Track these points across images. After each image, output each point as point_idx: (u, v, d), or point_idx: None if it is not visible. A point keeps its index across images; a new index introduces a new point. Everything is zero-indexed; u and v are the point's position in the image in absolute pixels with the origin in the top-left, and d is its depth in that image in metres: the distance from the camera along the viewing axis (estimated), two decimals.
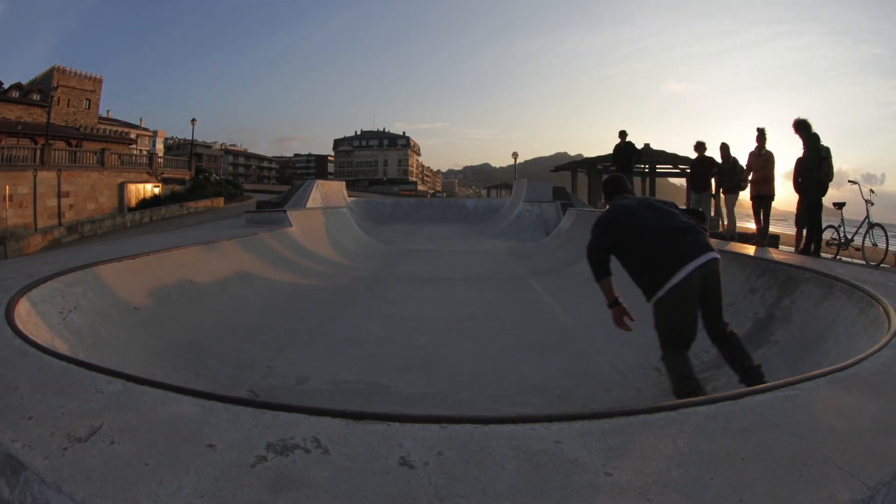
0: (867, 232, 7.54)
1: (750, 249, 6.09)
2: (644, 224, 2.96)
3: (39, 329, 2.83)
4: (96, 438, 1.41)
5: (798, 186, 7.14)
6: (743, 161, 8.03)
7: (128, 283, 4.25)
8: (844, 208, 8.18)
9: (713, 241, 6.84)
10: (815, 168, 6.85)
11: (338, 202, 18.16)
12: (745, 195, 8.21)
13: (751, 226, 8.91)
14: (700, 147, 8.94)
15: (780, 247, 8.44)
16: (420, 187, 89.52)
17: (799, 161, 7.05)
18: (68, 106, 34.86)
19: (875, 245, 7.51)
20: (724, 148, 8.38)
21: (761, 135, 7.64)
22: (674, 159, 28.70)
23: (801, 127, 6.91)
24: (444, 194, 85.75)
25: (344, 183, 23.19)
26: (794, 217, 7.66)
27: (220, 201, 28.89)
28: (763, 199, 7.80)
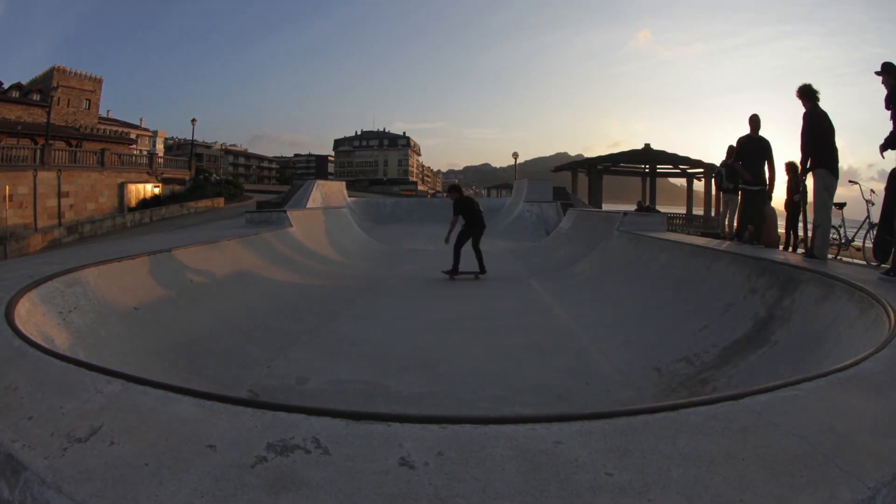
0: (868, 232, 7.53)
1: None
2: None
3: (39, 329, 2.83)
4: (96, 439, 1.41)
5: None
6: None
7: (128, 283, 4.25)
8: (845, 208, 8.17)
9: (711, 241, 6.90)
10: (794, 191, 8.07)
11: (338, 202, 18.16)
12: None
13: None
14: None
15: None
16: (420, 187, 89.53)
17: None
18: (68, 106, 34.86)
19: None
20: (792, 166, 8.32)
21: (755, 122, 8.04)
22: (674, 159, 28.72)
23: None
24: (445, 194, 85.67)
25: (344, 183, 23.19)
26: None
27: (220, 201, 28.90)
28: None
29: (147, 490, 1.20)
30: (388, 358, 4.33)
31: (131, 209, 26.56)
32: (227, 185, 34.24)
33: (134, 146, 41.76)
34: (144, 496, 1.18)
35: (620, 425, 1.52)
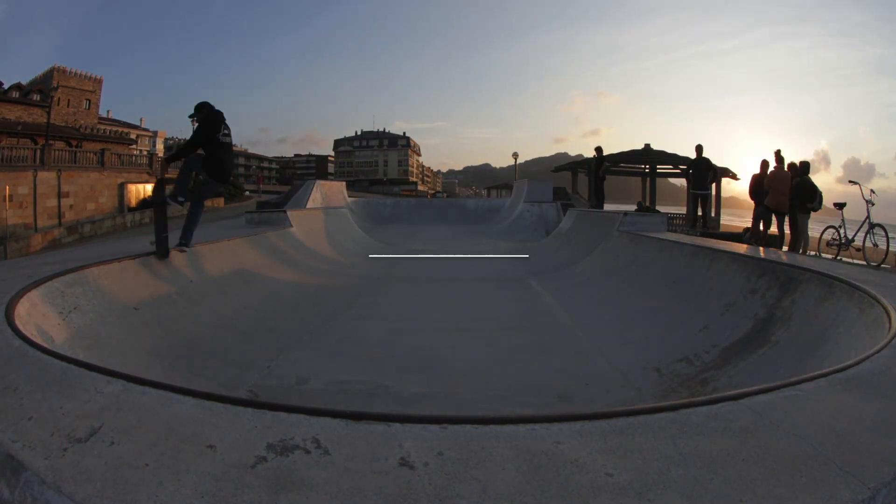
0: (868, 232, 7.54)
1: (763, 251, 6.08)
2: None
3: (39, 329, 2.83)
4: (96, 439, 1.41)
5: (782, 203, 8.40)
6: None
7: (128, 283, 4.25)
8: (845, 208, 8.19)
9: (713, 241, 7.00)
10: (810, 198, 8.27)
11: (338, 202, 18.14)
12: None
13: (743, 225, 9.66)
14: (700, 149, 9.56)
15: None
16: (420, 187, 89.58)
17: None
18: (68, 106, 34.86)
19: (876, 245, 7.51)
20: (804, 166, 8.67)
21: (778, 155, 8.44)
22: (674, 159, 28.70)
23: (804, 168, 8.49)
24: (445, 194, 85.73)
25: (344, 183, 23.15)
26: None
27: (219, 201, 28.91)
28: (779, 213, 8.50)
29: (147, 490, 1.20)
30: (388, 358, 4.33)
31: (131, 209, 26.58)
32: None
33: (134, 146, 41.77)
34: (144, 496, 1.18)
35: (620, 425, 1.52)
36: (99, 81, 37.48)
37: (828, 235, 8.35)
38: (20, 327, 2.42)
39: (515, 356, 4.45)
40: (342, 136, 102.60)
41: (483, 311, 6.19)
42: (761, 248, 6.56)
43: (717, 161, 10.22)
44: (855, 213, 8.01)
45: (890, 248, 7.27)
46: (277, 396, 3.48)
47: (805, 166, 8.42)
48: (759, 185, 8.80)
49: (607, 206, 13.34)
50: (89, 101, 36.83)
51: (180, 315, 4.44)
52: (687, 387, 3.60)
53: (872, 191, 7.74)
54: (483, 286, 7.91)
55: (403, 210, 21.66)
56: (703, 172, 10.76)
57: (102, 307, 3.69)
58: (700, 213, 11.48)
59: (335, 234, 11.73)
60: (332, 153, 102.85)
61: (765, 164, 8.85)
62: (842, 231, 8.02)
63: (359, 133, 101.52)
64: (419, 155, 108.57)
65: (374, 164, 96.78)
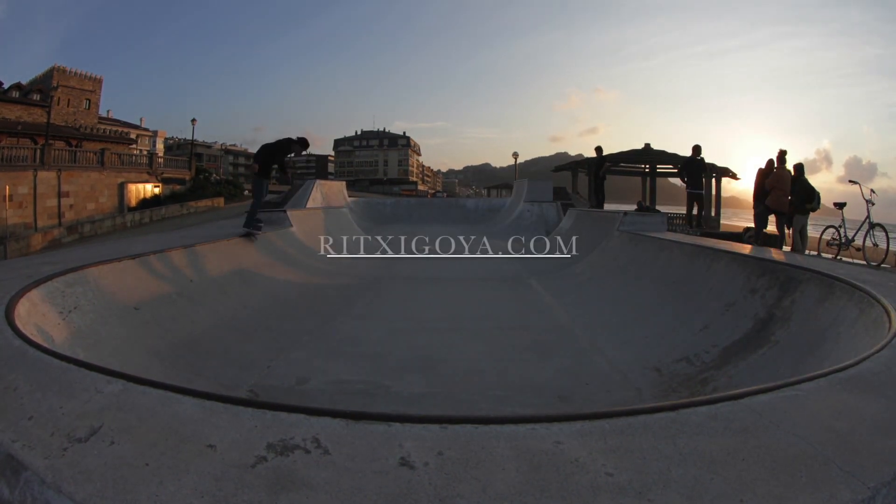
0: (868, 232, 7.54)
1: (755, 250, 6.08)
2: None
3: (39, 329, 2.83)
4: (96, 439, 1.41)
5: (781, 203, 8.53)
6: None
7: (128, 282, 4.25)
8: (845, 208, 8.19)
9: (714, 241, 7.02)
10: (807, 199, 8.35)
11: (338, 202, 18.14)
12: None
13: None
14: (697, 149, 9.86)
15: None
16: (420, 187, 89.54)
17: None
18: (68, 106, 34.84)
19: (876, 245, 7.51)
20: (799, 168, 8.65)
21: (781, 156, 8.46)
22: (674, 159, 28.70)
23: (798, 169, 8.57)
24: (445, 194, 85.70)
25: (344, 183, 23.14)
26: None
27: (220, 201, 28.91)
28: (779, 213, 8.57)
29: (147, 490, 1.20)
30: (388, 358, 4.33)
31: (131, 209, 26.57)
32: (227, 184, 34.22)
33: (134, 146, 41.75)
34: (145, 496, 1.18)
35: (620, 425, 1.53)
36: (99, 81, 37.44)
37: (828, 235, 8.36)
38: (20, 327, 2.42)
39: (515, 356, 4.45)
40: (342, 136, 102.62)
41: (483, 311, 6.19)
42: (761, 248, 6.56)
43: (718, 161, 10.38)
44: (855, 212, 8.01)
45: (890, 248, 7.26)
46: (277, 396, 3.48)
47: (799, 168, 8.44)
48: (763, 184, 8.83)
49: (607, 206, 13.35)
50: (89, 100, 36.79)
51: (180, 315, 4.44)
52: (687, 387, 3.60)
53: (872, 190, 7.74)
54: (483, 286, 7.91)
55: (404, 210, 21.65)
56: (699, 172, 10.87)
57: (102, 307, 3.69)
58: (695, 212, 11.55)
59: (335, 233, 11.73)
60: (332, 153, 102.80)
61: (770, 163, 8.85)
62: (842, 231, 8.02)
63: (359, 133, 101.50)
64: (419, 154, 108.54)
65: (375, 164, 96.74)
